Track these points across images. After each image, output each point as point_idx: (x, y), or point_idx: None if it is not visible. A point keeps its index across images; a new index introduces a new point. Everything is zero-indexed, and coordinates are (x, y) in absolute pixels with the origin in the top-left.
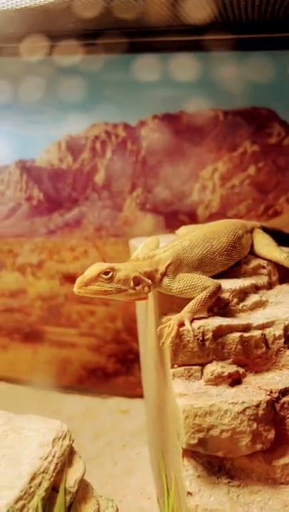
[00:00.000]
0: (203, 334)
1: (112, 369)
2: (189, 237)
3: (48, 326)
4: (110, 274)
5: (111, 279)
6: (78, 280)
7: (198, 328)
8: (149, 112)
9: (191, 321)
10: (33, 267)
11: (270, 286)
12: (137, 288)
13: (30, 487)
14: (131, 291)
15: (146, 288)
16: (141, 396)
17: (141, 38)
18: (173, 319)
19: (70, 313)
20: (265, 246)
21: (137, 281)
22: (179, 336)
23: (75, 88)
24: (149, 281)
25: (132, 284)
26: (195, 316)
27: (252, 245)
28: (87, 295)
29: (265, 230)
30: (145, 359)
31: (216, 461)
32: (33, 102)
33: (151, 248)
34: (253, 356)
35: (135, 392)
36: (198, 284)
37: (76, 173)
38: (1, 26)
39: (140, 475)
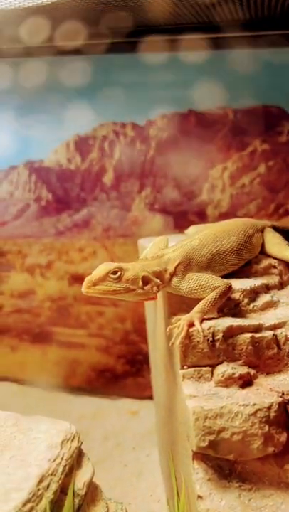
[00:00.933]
0: (214, 335)
1: (121, 370)
2: (199, 237)
3: (57, 326)
4: (118, 273)
5: (119, 279)
6: (86, 280)
7: (209, 329)
8: (158, 111)
9: (201, 322)
10: (42, 268)
11: (281, 286)
12: (146, 288)
13: (39, 489)
14: (140, 290)
15: (155, 288)
16: (150, 397)
17: (150, 36)
18: (182, 319)
19: (78, 314)
20: (275, 245)
21: (146, 280)
22: (188, 336)
23: (83, 87)
24: (158, 280)
25: (140, 283)
26: (205, 317)
27: (262, 245)
28: (96, 295)
29: (276, 229)
30: (154, 360)
31: (226, 464)
32: (41, 102)
33: (160, 248)
34: (264, 357)
35: (144, 393)
36: (208, 284)
37: (84, 173)
38: (9, 26)
39: (150, 477)
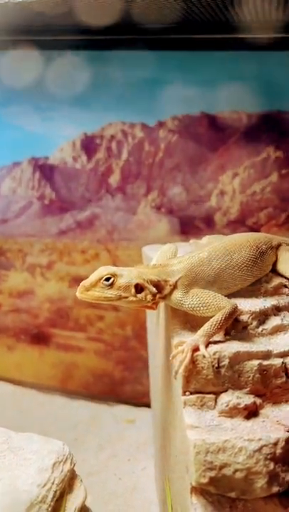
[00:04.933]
0: (219, 361)
1: (119, 376)
2: (208, 249)
3: (56, 328)
4: (111, 280)
5: (112, 285)
6: (80, 284)
7: (214, 354)
8: (169, 112)
9: (207, 346)
10: (43, 268)
11: None
12: (139, 296)
13: None
14: (132, 298)
15: (149, 296)
16: (148, 405)
17: (162, 35)
18: (186, 344)
19: (78, 317)
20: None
21: (140, 288)
22: (192, 361)
23: (92, 85)
24: (154, 289)
25: (133, 291)
26: (210, 340)
27: (275, 262)
28: (89, 300)
29: None
30: (154, 372)
31: (227, 501)
32: (48, 98)
33: (168, 257)
34: (272, 386)
35: (142, 401)
36: (212, 303)
37: (90, 173)
38: (17, 18)
39: (144, 494)
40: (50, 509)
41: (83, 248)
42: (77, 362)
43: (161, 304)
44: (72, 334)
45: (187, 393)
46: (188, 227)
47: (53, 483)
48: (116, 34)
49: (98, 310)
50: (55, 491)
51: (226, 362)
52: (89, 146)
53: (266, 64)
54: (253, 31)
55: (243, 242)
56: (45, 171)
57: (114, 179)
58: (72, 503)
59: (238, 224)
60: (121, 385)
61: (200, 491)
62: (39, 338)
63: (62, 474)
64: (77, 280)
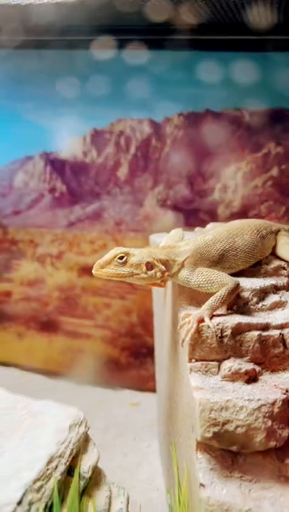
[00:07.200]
0: (222, 331)
1: (125, 362)
2: (213, 233)
3: (64, 316)
4: (124, 258)
5: (125, 263)
6: (96, 262)
7: (218, 325)
8: (175, 109)
9: (211, 318)
10: (53, 258)
11: None
12: (149, 273)
13: (48, 469)
14: (143, 275)
15: (158, 273)
16: (152, 390)
17: (169, 35)
18: (192, 316)
19: (86, 305)
20: (287, 250)
21: (150, 266)
22: (198, 331)
23: (103, 82)
24: (163, 267)
25: (144, 268)
26: (214, 313)
27: (275, 246)
28: (103, 277)
29: None
30: (160, 353)
31: (229, 456)
32: (60, 94)
33: (176, 240)
34: (270, 355)
35: (146, 385)
36: (216, 280)
37: (99, 167)
38: (40, 18)
39: (149, 467)
40: (67, 463)
41: (92, 239)
42: (85, 348)
43: (169, 284)
44: (81, 322)
45: (193, 360)
46: (193, 219)
47: (69, 442)
48: (127, 33)
49: (105, 298)
50: (72, 449)
51: (228, 332)
52: (99, 141)
53: (268, 63)
54: (260, 33)
55: (245, 226)
56: (57, 164)
57: (122, 173)
58: (87, 462)
59: (240, 216)
60: (126, 371)
61: (204, 447)
62: (48, 325)
63: (77, 435)
64: (85, 269)
